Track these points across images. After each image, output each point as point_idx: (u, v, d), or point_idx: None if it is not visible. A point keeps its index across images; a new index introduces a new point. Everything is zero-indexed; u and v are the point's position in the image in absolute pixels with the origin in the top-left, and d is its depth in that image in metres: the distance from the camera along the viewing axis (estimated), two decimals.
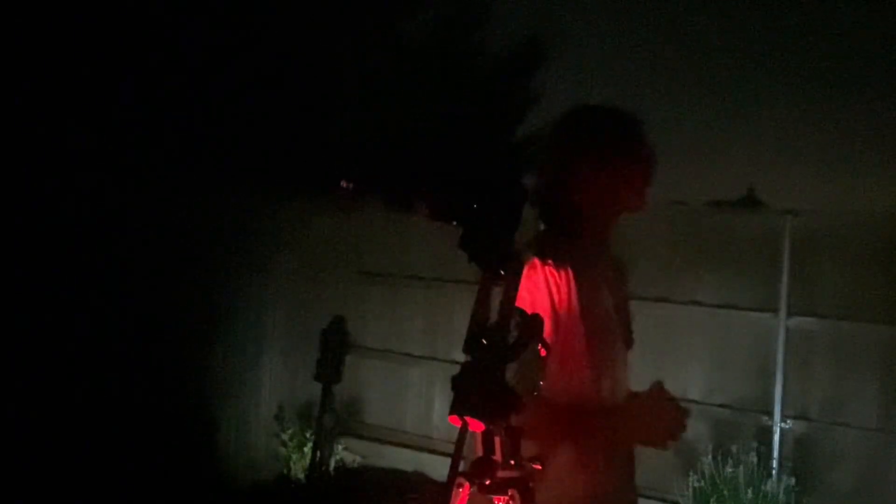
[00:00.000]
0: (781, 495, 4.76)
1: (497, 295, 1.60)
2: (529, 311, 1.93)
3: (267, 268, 6.31)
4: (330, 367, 4.48)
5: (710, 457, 4.93)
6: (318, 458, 5.39)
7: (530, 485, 1.64)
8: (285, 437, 6.15)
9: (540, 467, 1.70)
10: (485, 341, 1.57)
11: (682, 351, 5.38)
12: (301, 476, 5.99)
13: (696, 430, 5.43)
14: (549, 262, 2.02)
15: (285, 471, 6.14)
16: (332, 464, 6.19)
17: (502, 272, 1.60)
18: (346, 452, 6.30)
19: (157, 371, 5.59)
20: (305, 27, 8.26)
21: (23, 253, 5.18)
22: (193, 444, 5.78)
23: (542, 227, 2.18)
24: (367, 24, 8.83)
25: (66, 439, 5.02)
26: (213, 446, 6.06)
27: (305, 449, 6.01)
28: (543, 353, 1.78)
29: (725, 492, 4.80)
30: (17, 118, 5.77)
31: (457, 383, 1.56)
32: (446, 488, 1.57)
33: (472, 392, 1.55)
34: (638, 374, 2.24)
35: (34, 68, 6.07)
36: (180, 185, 5.96)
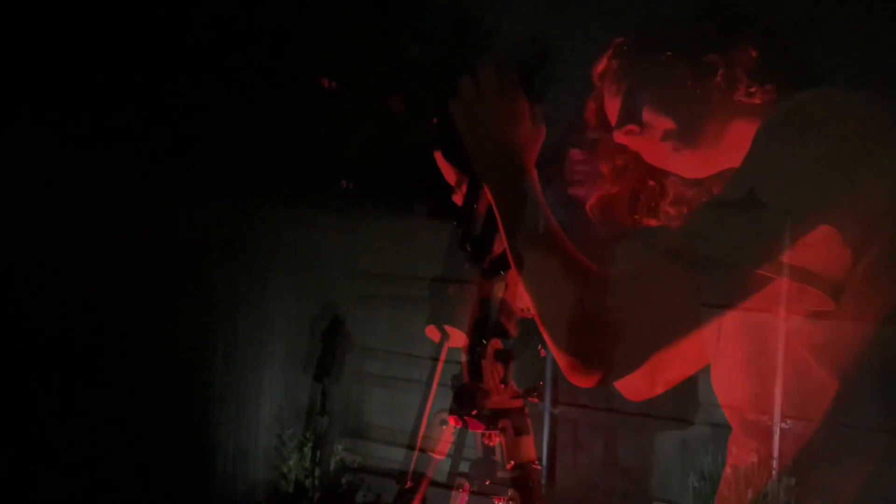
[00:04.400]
0: (781, 495, 4.75)
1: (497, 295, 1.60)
2: None
3: (267, 267, 6.30)
4: (330, 367, 4.47)
5: (709, 457, 4.92)
6: (318, 458, 5.38)
7: (530, 485, 1.64)
8: (285, 437, 6.14)
9: (540, 467, 1.70)
10: (484, 341, 1.57)
11: None
12: (301, 476, 5.99)
13: (697, 430, 5.43)
14: None
15: (285, 471, 6.14)
16: (332, 464, 6.18)
17: (502, 272, 1.60)
18: (346, 452, 6.29)
19: (156, 371, 5.58)
20: (304, 27, 8.25)
21: (23, 254, 5.18)
22: (193, 444, 5.77)
23: None
24: (367, 23, 8.81)
25: (67, 438, 5.02)
26: (213, 446, 6.05)
27: (305, 449, 6.00)
28: (543, 353, 1.78)
29: (726, 492, 4.79)
30: (15, 117, 5.76)
31: (457, 383, 1.57)
32: (446, 488, 1.58)
33: (472, 392, 1.55)
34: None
35: (31, 67, 6.07)
36: (180, 186, 5.95)
